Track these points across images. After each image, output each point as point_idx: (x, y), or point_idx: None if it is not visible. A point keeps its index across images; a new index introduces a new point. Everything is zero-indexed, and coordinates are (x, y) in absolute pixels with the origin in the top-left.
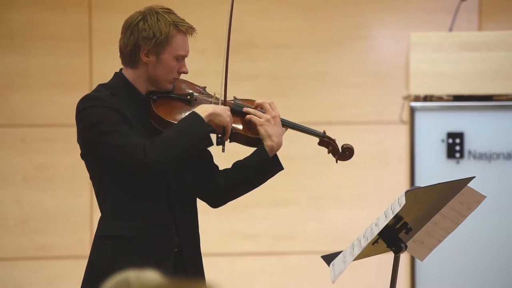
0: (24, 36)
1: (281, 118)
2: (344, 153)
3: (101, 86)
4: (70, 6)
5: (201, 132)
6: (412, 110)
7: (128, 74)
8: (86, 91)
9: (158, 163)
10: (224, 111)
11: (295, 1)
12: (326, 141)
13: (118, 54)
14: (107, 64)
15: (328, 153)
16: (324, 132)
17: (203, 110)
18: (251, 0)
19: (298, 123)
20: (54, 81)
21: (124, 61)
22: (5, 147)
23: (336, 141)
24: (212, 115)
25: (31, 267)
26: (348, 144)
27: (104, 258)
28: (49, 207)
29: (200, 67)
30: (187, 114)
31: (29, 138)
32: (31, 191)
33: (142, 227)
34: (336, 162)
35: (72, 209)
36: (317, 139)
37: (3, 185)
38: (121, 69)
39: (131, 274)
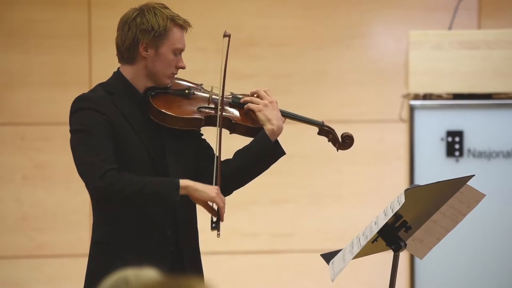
0: (23, 34)
1: (280, 109)
2: (344, 141)
3: (99, 85)
4: (70, 5)
5: (166, 193)
6: (412, 109)
7: (126, 71)
8: (86, 89)
9: (108, 195)
10: (208, 188)
11: None
12: (325, 130)
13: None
14: (107, 63)
15: (328, 141)
16: (323, 122)
17: (184, 180)
18: None
19: (298, 113)
20: (54, 80)
21: (121, 59)
22: (4, 146)
23: (336, 131)
24: (189, 188)
25: (31, 265)
26: (348, 132)
27: (101, 265)
28: (49, 206)
29: (200, 66)
30: (186, 107)
31: (29, 137)
32: (31, 190)
33: (137, 230)
34: (337, 150)
35: (71, 208)
36: (316, 129)
37: (2, 184)
38: (119, 68)
39: (130, 272)
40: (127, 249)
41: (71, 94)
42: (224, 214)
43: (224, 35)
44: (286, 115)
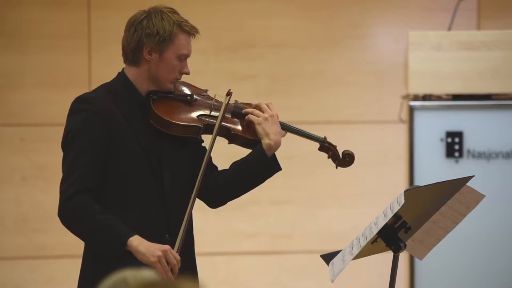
0: (22, 35)
1: (282, 122)
2: (345, 159)
3: (101, 85)
4: (69, 5)
5: (109, 247)
6: (411, 109)
7: (130, 72)
8: (85, 90)
9: (62, 219)
10: (150, 251)
11: (294, 0)
12: (326, 147)
13: (117, 53)
14: (106, 63)
15: (328, 158)
16: (325, 138)
17: (132, 239)
18: (250, 0)
19: (299, 127)
20: (53, 80)
21: (126, 60)
22: (4, 146)
23: (337, 147)
24: (132, 248)
25: (30, 266)
26: (349, 150)
27: (94, 269)
28: (48, 207)
29: (200, 67)
30: (186, 114)
31: (28, 137)
32: (30, 191)
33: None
34: (336, 168)
35: None
36: (317, 144)
37: (1, 185)
38: (123, 69)
39: (129, 273)
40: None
41: (71, 95)
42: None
43: (227, 94)
44: (287, 128)
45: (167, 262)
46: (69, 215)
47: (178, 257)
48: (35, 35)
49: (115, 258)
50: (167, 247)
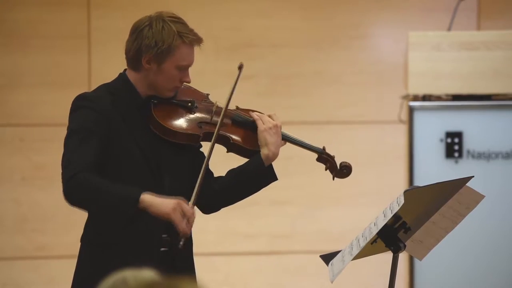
0: (22, 35)
1: (282, 132)
2: (342, 171)
3: (102, 85)
4: (69, 5)
5: (122, 207)
6: (411, 110)
7: (131, 75)
8: (85, 89)
9: (70, 200)
10: (163, 204)
11: (294, 0)
12: (324, 158)
13: (117, 52)
14: (106, 63)
15: (326, 169)
16: (324, 148)
17: (144, 195)
18: (250, 0)
19: (299, 138)
20: (53, 80)
21: (127, 63)
22: (3, 147)
23: (335, 158)
24: (145, 203)
25: (30, 266)
26: (346, 162)
27: (90, 265)
28: (48, 207)
29: (199, 67)
30: (186, 121)
31: (28, 138)
32: (30, 191)
33: (129, 232)
34: (333, 179)
35: (70, 209)
36: (315, 155)
37: (1, 185)
38: (125, 70)
39: (128, 273)
40: (117, 250)
41: (70, 95)
42: (191, 228)
43: (239, 67)
44: (287, 139)
45: (183, 214)
46: (75, 188)
47: (192, 210)
48: (35, 34)
49: (111, 258)
50: (180, 199)
